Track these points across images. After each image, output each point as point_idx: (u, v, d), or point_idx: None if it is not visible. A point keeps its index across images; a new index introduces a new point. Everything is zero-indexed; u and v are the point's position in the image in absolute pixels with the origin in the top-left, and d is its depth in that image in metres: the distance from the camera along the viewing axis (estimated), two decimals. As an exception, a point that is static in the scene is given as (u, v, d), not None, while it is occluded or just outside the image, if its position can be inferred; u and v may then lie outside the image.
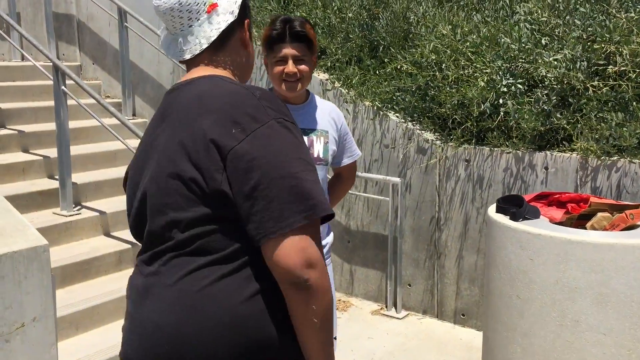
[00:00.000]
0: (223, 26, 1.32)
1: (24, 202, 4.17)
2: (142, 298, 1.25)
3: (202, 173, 1.19)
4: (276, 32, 2.10)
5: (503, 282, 2.77)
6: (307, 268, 1.15)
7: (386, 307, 4.37)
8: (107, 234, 4.25)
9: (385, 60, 4.36)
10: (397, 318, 4.23)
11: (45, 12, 6.03)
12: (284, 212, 1.14)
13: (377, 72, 4.35)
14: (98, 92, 6.02)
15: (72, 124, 4.91)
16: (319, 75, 4.52)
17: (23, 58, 6.00)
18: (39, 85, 5.46)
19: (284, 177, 1.15)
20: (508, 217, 2.82)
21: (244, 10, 1.39)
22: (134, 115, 5.77)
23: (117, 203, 4.47)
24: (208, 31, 1.32)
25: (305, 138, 2.21)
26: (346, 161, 2.38)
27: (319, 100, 2.32)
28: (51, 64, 4.17)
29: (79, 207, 4.37)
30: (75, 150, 4.71)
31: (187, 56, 1.34)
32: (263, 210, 1.15)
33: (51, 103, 5.12)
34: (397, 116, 4.21)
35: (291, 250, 1.14)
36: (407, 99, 4.14)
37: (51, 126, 4.84)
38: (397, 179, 4.11)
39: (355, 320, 4.21)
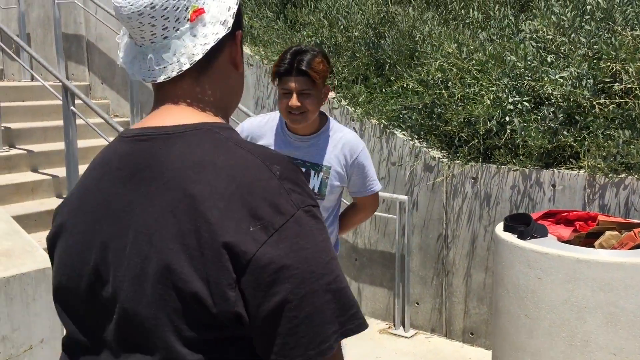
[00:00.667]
0: (211, 42, 0.97)
1: (33, 222, 4.20)
2: None
3: (210, 287, 0.87)
4: (284, 65, 2.09)
5: (511, 301, 2.76)
6: None
7: (394, 325, 4.35)
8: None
9: (392, 78, 4.38)
10: (405, 337, 4.21)
11: (55, 33, 6.10)
12: (317, 337, 0.89)
13: (384, 91, 4.37)
14: (107, 111, 6.07)
15: (81, 144, 4.95)
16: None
17: (32, 78, 6.07)
18: (48, 105, 5.52)
19: (317, 292, 0.89)
20: (516, 235, 2.81)
21: (238, 19, 1.02)
22: (142, 134, 5.81)
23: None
24: (190, 47, 0.97)
25: (304, 169, 2.20)
26: (360, 194, 2.34)
27: (339, 130, 2.26)
28: (60, 84, 4.22)
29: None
30: (84, 169, 4.74)
31: (160, 78, 0.98)
32: (288, 334, 0.88)
33: (60, 122, 5.16)
34: (403, 134, 4.22)
35: None
36: (413, 117, 4.15)
37: (60, 145, 4.88)
38: (404, 197, 4.11)
39: (363, 339, 4.19)
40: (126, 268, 0.93)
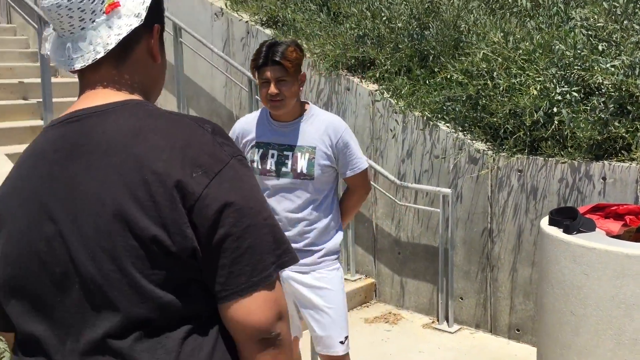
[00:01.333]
0: (124, 32, 1.06)
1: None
2: None
3: (168, 229, 0.97)
4: (261, 57, 2.30)
5: (556, 298, 2.68)
6: (279, 321, 1.03)
7: (438, 320, 4.29)
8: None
9: (435, 69, 4.31)
10: (449, 332, 4.15)
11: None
12: (258, 265, 1.00)
13: (427, 82, 4.31)
14: (154, 106, 6.20)
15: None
16: (368, 87, 4.51)
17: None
18: None
19: (256, 225, 1.01)
20: (561, 229, 2.72)
21: (155, 13, 1.12)
22: (188, 128, 5.90)
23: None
24: (105, 37, 1.05)
25: (290, 154, 2.37)
26: (349, 174, 2.46)
27: (320, 114, 2.43)
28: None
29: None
30: None
31: (77, 66, 1.06)
32: (232, 264, 0.99)
33: None
34: (447, 126, 4.15)
35: (265, 304, 1.01)
36: (457, 109, 4.08)
37: None
38: (447, 190, 4.04)
39: (406, 333, 4.15)
40: (80, 235, 0.99)
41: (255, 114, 2.51)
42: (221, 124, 5.66)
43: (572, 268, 2.59)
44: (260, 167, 2.42)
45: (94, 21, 1.05)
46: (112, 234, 0.98)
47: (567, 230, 2.68)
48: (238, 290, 1.00)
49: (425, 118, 4.20)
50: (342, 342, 2.47)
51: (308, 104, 2.47)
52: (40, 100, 4.87)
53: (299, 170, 2.36)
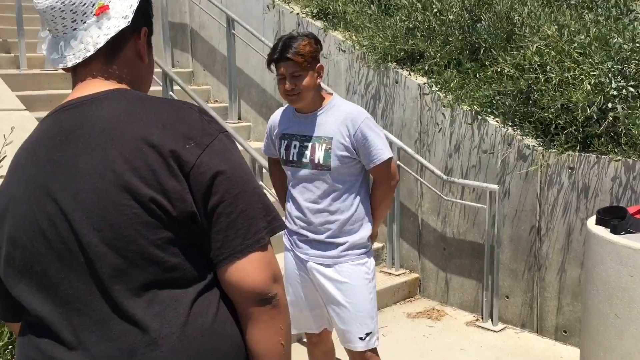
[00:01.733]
0: (112, 32, 1.15)
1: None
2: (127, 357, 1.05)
3: (168, 195, 1.05)
4: (275, 53, 2.34)
5: (600, 300, 2.59)
6: (274, 282, 1.11)
7: (482, 318, 4.22)
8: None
9: (486, 63, 4.22)
10: (493, 331, 4.07)
11: (162, 22, 6.41)
12: (251, 229, 1.09)
13: (477, 76, 4.22)
14: (207, 97, 6.31)
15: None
16: (417, 79, 4.46)
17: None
18: (153, 90, 5.79)
19: (247, 192, 1.10)
20: (608, 229, 2.63)
21: (142, 17, 1.22)
22: (239, 119, 5.98)
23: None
24: (95, 36, 1.15)
25: (308, 144, 2.40)
26: (371, 165, 2.44)
27: (341, 105, 2.44)
28: (161, 70, 4.42)
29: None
30: None
31: (69, 63, 1.16)
32: (227, 228, 1.08)
33: None
34: (496, 121, 4.06)
35: (259, 265, 1.10)
36: (507, 103, 3.98)
37: None
38: (495, 186, 3.96)
39: (449, 330, 4.10)
40: (83, 210, 1.06)
41: (283, 107, 2.57)
42: (270, 115, 5.71)
43: (618, 269, 2.50)
44: (284, 157, 2.46)
45: (84, 22, 1.14)
46: (115, 204, 1.05)
47: (615, 230, 2.59)
48: (234, 252, 1.09)
49: (473, 112, 4.12)
50: (361, 339, 2.44)
51: (331, 94, 2.49)
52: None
53: (316, 161, 2.39)
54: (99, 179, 1.06)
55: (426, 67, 4.41)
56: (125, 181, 1.05)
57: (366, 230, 2.49)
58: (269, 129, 2.58)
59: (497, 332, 4.06)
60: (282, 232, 2.29)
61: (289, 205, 2.53)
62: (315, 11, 5.23)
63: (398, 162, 4.41)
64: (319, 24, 5.15)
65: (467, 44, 4.35)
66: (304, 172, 2.42)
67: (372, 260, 2.52)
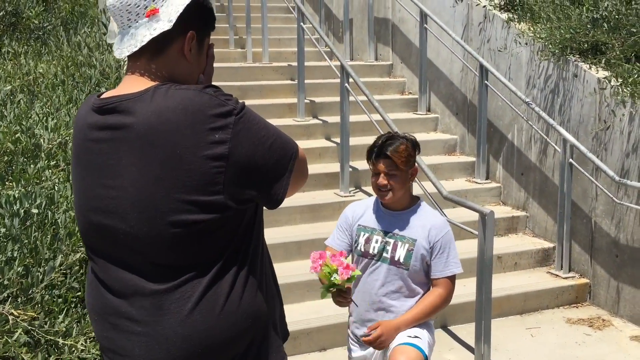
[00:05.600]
0: (156, 33, 1.33)
1: (313, 182, 4.91)
2: (154, 315, 1.34)
3: (201, 189, 1.29)
4: (374, 149, 2.46)
5: None
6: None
7: (651, 335, 3.86)
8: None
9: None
10: (660, 349, 3.72)
11: (368, 17, 6.82)
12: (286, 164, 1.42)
13: (665, 69, 3.84)
14: (402, 89, 6.57)
15: (359, 118, 5.44)
16: (598, 73, 4.19)
17: (352, 58, 6.88)
18: (330, 82, 6.12)
19: (276, 138, 1.39)
20: None
21: (193, 21, 1.38)
22: (428, 110, 6.13)
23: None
24: (142, 35, 1.34)
25: (391, 241, 2.45)
26: (436, 275, 2.45)
27: (428, 211, 2.52)
28: (339, 63, 4.81)
29: (356, 190, 4.95)
30: (359, 140, 5.19)
31: (122, 55, 1.38)
32: (274, 164, 1.39)
33: (362, 98, 5.67)
34: (680, 120, 3.66)
35: (292, 187, 1.43)
36: (694, 101, 3.57)
37: (353, 118, 5.28)
38: (670, 192, 3.59)
39: (607, 341, 3.84)
40: (126, 199, 1.33)
41: (369, 200, 2.61)
42: (456, 107, 5.78)
43: None
44: (362, 249, 2.48)
45: (137, 21, 1.36)
46: (154, 195, 1.30)
47: None
48: (285, 176, 1.40)
49: (654, 109, 3.76)
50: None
51: (419, 199, 2.56)
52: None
53: (396, 259, 2.44)
54: (139, 175, 1.33)
55: (603, 61, 4.12)
56: (162, 178, 1.31)
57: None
58: (344, 219, 2.58)
59: (665, 352, 3.70)
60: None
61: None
62: (502, 3, 5.16)
63: (571, 160, 4.22)
64: (504, 16, 5.08)
65: (658, 34, 3.96)
66: (381, 266, 2.46)
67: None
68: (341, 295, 2.10)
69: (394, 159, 2.39)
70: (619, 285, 4.15)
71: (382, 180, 2.42)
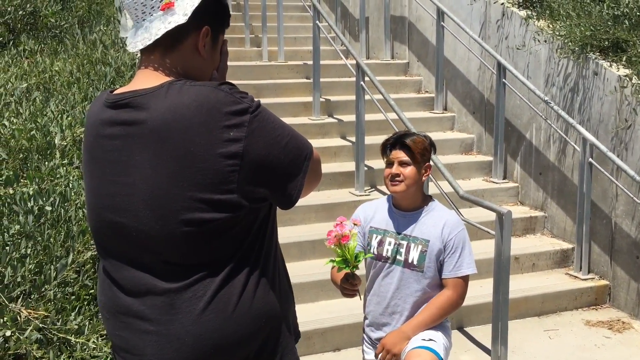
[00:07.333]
0: (170, 27, 1.31)
1: (328, 180, 4.87)
2: (166, 314, 1.32)
3: (214, 188, 1.26)
4: (391, 139, 2.42)
5: None
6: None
7: (672, 338, 3.78)
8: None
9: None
10: (682, 354, 3.63)
11: (385, 15, 6.76)
12: (301, 164, 1.38)
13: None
14: (419, 87, 6.51)
15: (374, 117, 5.37)
16: (619, 71, 4.11)
17: (368, 57, 6.84)
18: (347, 81, 6.06)
19: (290, 139, 1.36)
20: None
21: (208, 16, 1.36)
22: (444, 109, 6.07)
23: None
24: (156, 29, 1.31)
25: (405, 243, 2.39)
26: (446, 274, 2.38)
27: (441, 210, 2.45)
28: (355, 62, 4.76)
29: (371, 189, 4.91)
30: (375, 139, 5.14)
31: (135, 48, 1.34)
32: (288, 164, 1.36)
33: (378, 96, 5.61)
34: None
35: (306, 186, 1.40)
36: None
37: (369, 117, 5.22)
38: (693, 192, 3.51)
39: (627, 344, 3.77)
40: (138, 196, 1.30)
41: (380, 201, 2.56)
42: (473, 106, 5.71)
43: None
44: (376, 251, 2.43)
45: (151, 15, 1.33)
46: (167, 193, 1.27)
47: None
48: (299, 176, 1.37)
49: (677, 108, 3.68)
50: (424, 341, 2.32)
51: (432, 198, 2.50)
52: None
53: (410, 261, 2.38)
54: (152, 172, 1.30)
55: (624, 58, 4.04)
56: (175, 176, 1.28)
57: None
58: (357, 217, 2.50)
59: (688, 356, 3.61)
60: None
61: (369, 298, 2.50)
62: (520, 0, 5.09)
63: (591, 159, 4.14)
64: (522, 13, 5.00)
65: (681, 31, 3.88)
66: (394, 269, 2.40)
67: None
68: (348, 281, 2.00)
69: (411, 147, 2.36)
70: (639, 288, 4.07)
71: (396, 169, 2.36)
